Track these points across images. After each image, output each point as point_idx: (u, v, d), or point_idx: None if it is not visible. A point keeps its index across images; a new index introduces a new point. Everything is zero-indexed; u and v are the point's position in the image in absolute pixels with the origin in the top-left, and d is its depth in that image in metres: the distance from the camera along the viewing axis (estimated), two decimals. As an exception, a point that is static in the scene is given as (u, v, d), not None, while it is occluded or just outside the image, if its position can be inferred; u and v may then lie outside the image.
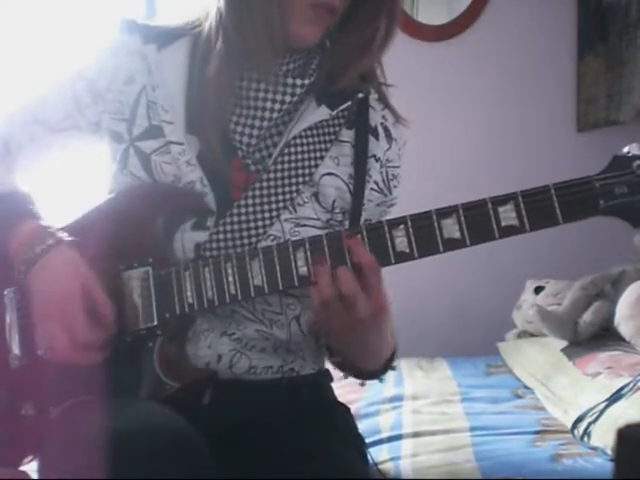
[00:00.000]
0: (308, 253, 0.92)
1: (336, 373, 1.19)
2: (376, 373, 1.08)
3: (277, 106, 1.02)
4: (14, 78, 2.22)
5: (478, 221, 0.87)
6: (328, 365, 1.16)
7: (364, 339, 0.97)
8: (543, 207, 0.86)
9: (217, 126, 1.01)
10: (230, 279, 0.94)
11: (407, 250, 0.89)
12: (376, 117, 1.11)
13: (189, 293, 0.95)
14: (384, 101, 1.12)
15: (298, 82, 1.03)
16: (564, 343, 2.15)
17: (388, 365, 1.07)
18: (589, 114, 2.75)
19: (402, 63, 2.80)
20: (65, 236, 0.96)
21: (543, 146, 2.79)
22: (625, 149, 0.87)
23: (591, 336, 2.14)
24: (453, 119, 2.82)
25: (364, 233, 0.91)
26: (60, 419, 0.92)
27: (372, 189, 1.09)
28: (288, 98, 1.03)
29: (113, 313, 0.95)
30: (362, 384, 1.13)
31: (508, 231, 0.87)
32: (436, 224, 0.88)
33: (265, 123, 1.03)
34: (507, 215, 0.87)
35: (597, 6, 2.71)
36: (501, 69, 2.81)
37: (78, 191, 1.20)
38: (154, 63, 1.04)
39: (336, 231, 0.93)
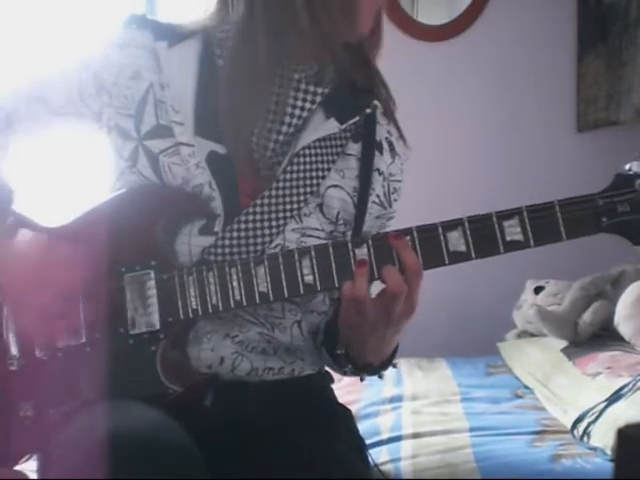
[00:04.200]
0: (314, 261, 0.92)
1: (336, 374, 1.19)
2: (375, 368, 1.07)
3: (297, 112, 1.02)
4: (24, 54, 2.22)
5: (483, 235, 0.89)
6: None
7: (381, 335, 0.96)
8: (547, 223, 0.88)
9: (247, 132, 1.01)
10: (235, 284, 0.94)
11: None
12: (382, 132, 1.11)
13: (193, 298, 0.95)
14: (389, 116, 1.13)
15: (319, 90, 1.03)
16: (564, 343, 2.14)
17: (388, 362, 1.06)
18: (589, 114, 2.75)
19: (402, 63, 2.81)
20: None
21: (543, 146, 2.78)
22: (627, 166, 0.90)
23: (591, 336, 2.14)
24: (453, 119, 2.82)
25: (369, 243, 0.92)
26: (61, 422, 0.92)
27: (373, 202, 1.10)
28: (308, 105, 1.03)
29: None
30: (362, 379, 1.12)
31: (513, 246, 0.89)
32: (442, 237, 0.90)
33: (284, 128, 1.02)
34: (512, 230, 0.88)
35: (597, 6, 2.71)
36: (501, 69, 2.81)
37: (80, 184, 1.19)
38: (164, 60, 1.03)
39: (343, 240, 0.94)
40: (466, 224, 0.89)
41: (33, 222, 1.01)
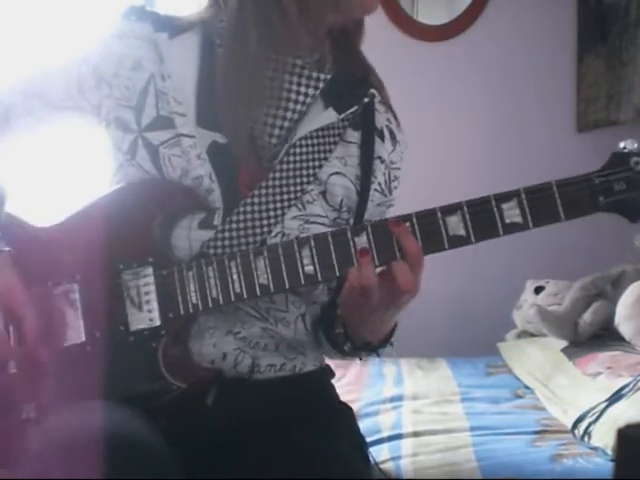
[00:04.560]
0: (314, 251, 0.92)
1: (337, 372, 1.19)
2: (374, 347, 1.06)
3: (301, 98, 1.03)
4: (22, 50, 2.22)
5: (482, 218, 0.89)
6: (328, 361, 1.16)
7: (380, 315, 0.97)
8: (546, 204, 0.88)
9: (246, 120, 1.01)
10: (235, 277, 0.94)
11: None
12: (381, 119, 1.12)
13: (193, 293, 0.95)
14: (387, 104, 1.13)
15: (322, 77, 1.03)
16: (564, 343, 2.15)
17: (387, 340, 1.06)
18: (589, 114, 2.75)
19: (402, 63, 2.81)
20: None
21: (543, 146, 2.79)
22: (621, 144, 0.90)
23: (591, 336, 2.14)
24: (453, 119, 2.82)
25: (369, 230, 0.91)
26: (50, 423, 0.92)
27: (375, 189, 1.10)
28: (311, 91, 1.03)
29: (36, 330, 0.93)
30: (360, 359, 1.13)
31: (512, 228, 0.88)
32: (441, 221, 0.89)
33: (289, 114, 1.02)
34: (511, 212, 0.88)
35: (597, 6, 2.71)
36: (501, 69, 2.81)
37: (79, 179, 1.18)
38: (166, 52, 1.03)
39: (342, 228, 0.93)
40: (465, 208, 0.89)
41: (25, 222, 1.00)
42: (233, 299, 0.94)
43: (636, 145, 0.89)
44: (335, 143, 1.06)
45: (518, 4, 2.79)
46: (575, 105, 2.80)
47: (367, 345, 1.04)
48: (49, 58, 1.07)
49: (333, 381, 1.18)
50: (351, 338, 1.03)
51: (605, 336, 2.12)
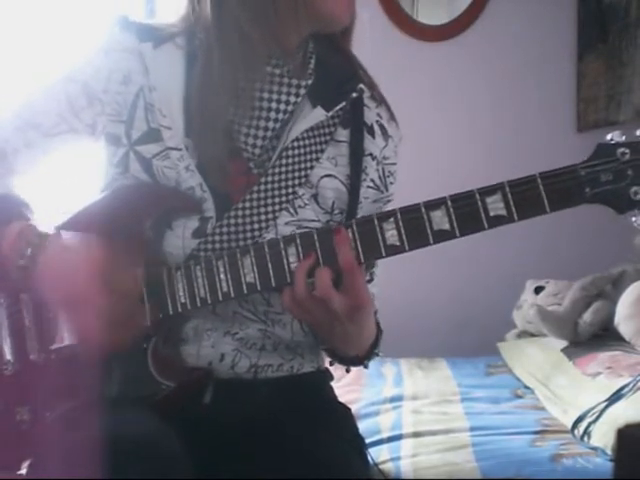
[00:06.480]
0: (300, 249, 0.91)
1: (336, 373, 1.19)
2: (359, 360, 1.08)
3: (282, 106, 1.02)
4: (8, 79, 2.20)
5: (467, 212, 0.88)
6: (327, 363, 1.16)
7: (342, 331, 0.95)
8: (530, 196, 0.87)
9: (220, 129, 1.00)
10: (222, 277, 0.94)
11: (398, 243, 0.89)
12: (371, 115, 1.11)
13: (181, 293, 0.95)
14: (378, 98, 1.12)
15: (302, 83, 1.03)
16: (564, 343, 2.15)
17: (371, 352, 1.07)
18: (589, 114, 2.75)
19: (402, 63, 2.81)
20: (49, 232, 0.97)
21: (543, 146, 2.79)
22: (608, 136, 0.90)
23: (591, 336, 2.14)
24: (452, 119, 2.82)
25: (354, 227, 0.91)
26: (52, 425, 0.92)
27: (368, 186, 1.10)
28: (292, 98, 1.02)
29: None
30: (347, 370, 1.15)
31: (497, 221, 0.88)
32: (425, 216, 0.88)
33: (270, 124, 1.02)
34: (495, 205, 0.87)
35: (597, 6, 2.71)
36: (501, 69, 2.81)
37: (74, 193, 1.19)
38: (150, 62, 1.02)
39: (327, 226, 0.93)
40: (449, 202, 0.88)
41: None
42: (221, 298, 0.94)
43: (624, 137, 0.89)
44: (326, 142, 1.05)
45: (518, 4, 2.79)
46: (575, 105, 2.81)
47: (353, 358, 1.06)
48: (36, 84, 1.06)
49: (333, 381, 1.18)
50: (335, 353, 1.05)
51: (605, 336, 2.12)
